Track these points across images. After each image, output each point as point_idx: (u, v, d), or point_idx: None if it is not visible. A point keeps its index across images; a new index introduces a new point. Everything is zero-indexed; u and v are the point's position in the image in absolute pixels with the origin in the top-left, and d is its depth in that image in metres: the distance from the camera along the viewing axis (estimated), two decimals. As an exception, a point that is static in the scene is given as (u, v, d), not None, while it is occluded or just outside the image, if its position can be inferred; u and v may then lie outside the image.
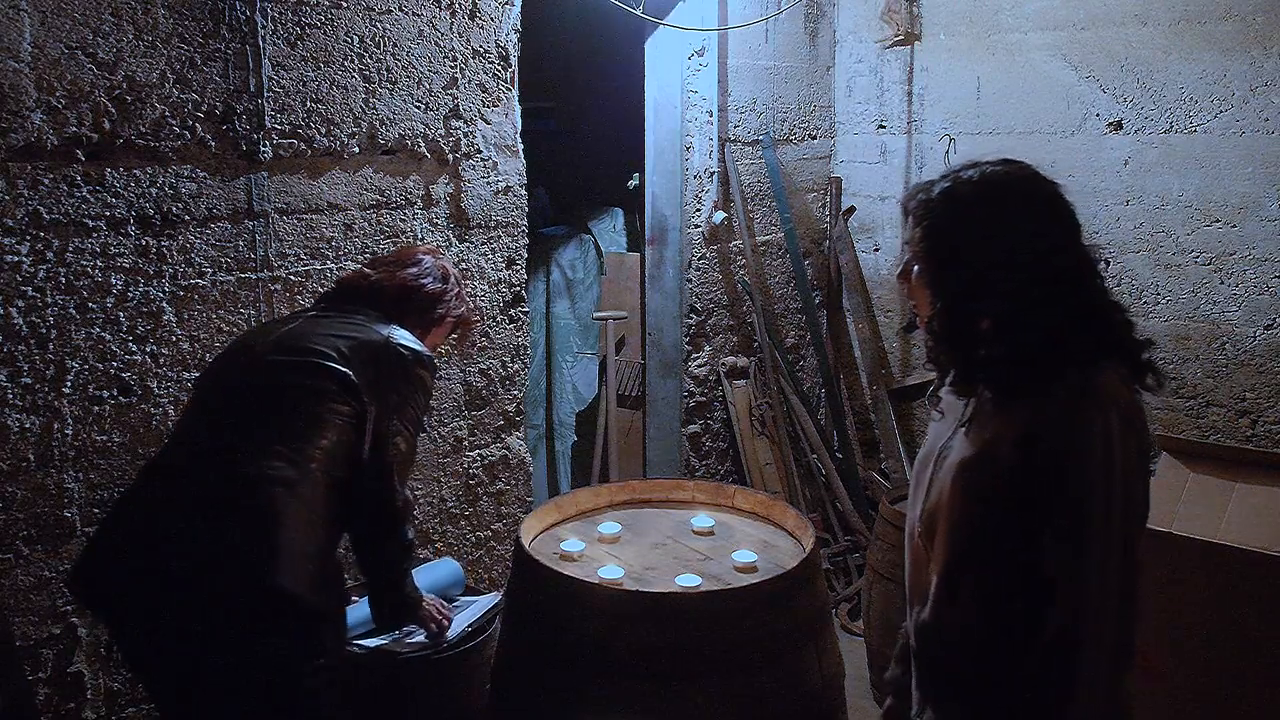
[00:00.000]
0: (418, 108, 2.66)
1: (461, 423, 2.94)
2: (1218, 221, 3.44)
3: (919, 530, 1.54)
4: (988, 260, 1.40)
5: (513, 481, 3.10)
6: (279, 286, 2.43)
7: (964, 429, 1.47)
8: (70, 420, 2.13)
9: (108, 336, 2.16)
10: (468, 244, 2.84)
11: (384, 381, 1.94)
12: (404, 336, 2.03)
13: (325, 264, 2.52)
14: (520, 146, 2.97)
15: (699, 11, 3.63)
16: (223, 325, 2.34)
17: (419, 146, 2.67)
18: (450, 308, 2.21)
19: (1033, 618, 1.35)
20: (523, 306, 3.06)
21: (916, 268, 1.48)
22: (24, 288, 2.04)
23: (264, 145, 2.36)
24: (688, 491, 2.51)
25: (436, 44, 2.68)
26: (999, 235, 1.41)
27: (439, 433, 2.88)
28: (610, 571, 2.09)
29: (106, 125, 2.10)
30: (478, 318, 2.34)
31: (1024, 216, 1.42)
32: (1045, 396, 1.37)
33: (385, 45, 2.57)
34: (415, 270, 2.17)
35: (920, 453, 1.59)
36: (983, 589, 1.42)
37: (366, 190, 2.58)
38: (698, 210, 3.82)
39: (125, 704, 2.26)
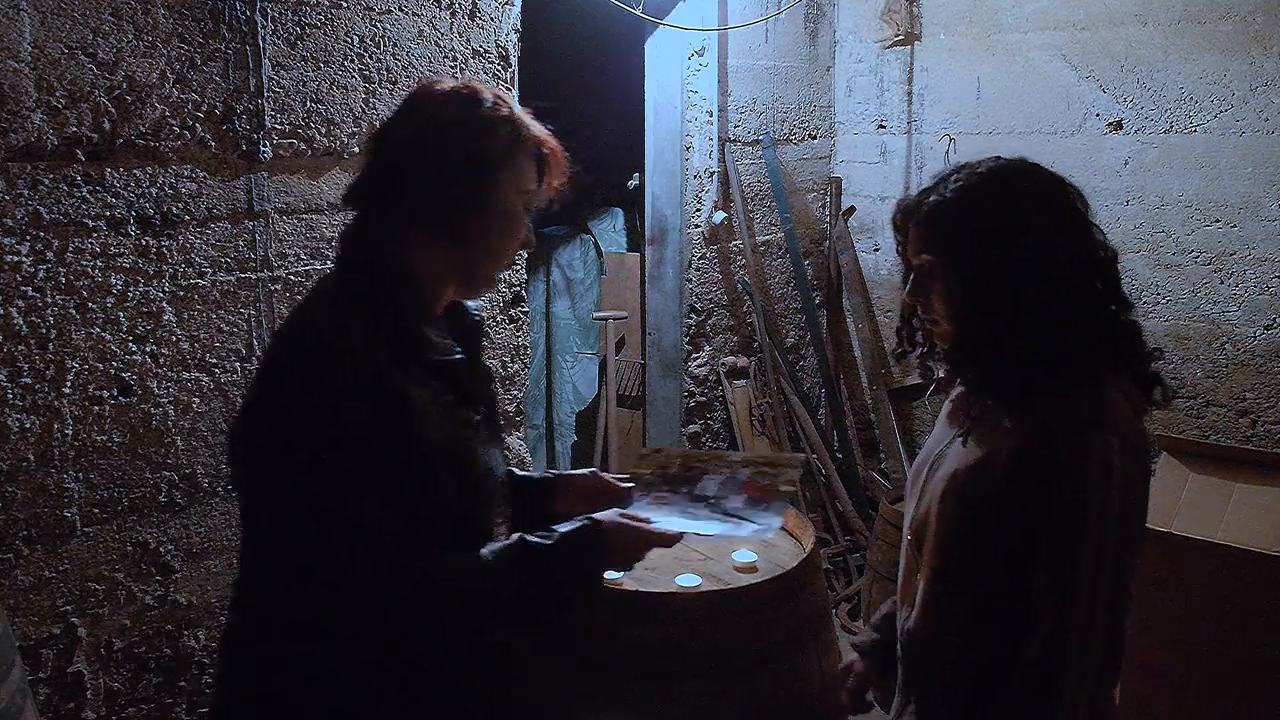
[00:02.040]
0: (418, 108, 2.65)
1: (461, 423, 2.94)
2: (1218, 221, 3.44)
3: (909, 537, 1.54)
4: (1013, 260, 1.35)
5: (513, 481, 3.10)
6: (279, 286, 2.43)
7: (961, 439, 1.46)
8: (70, 420, 2.13)
9: (108, 336, 2.16)
10: (468, 244, 2.84)
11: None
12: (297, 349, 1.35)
13: (325, 264, 2.52)
14: (520, 146, 2.96)
15: (699, 11, 3.63)
16: (223, 325, 2.33)
17: (419, 146, 2.67)
18: (501, 146, 1.38)
19: (1018, 635, 1.33)
20: (523, 306, 3.06)
21: (934, 276, 1.42)
22: (24, 288, 2.04)
23: (264, 145, 2.36)
24: (688, 491, 2.50)
25: (436, 44, 2.68)
26: (1026, 231, 1.37)
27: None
28: (610, 571, 2.08)
29: (106, 125, 2.10)
30: (551, 141, 1.46)
31: (1047, 211, 1.39)
32: (1046, 414, 1.33)
33: (385, 45, 2.56)
34: (413, 121, 1.40)
35: (918, 457, 1.58)
36: (969, 602, 1.40)
37: (366, 190, 2.58)
38: (698, 210, 3.82)
39: (125, 704, 2.26)
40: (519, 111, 1.44)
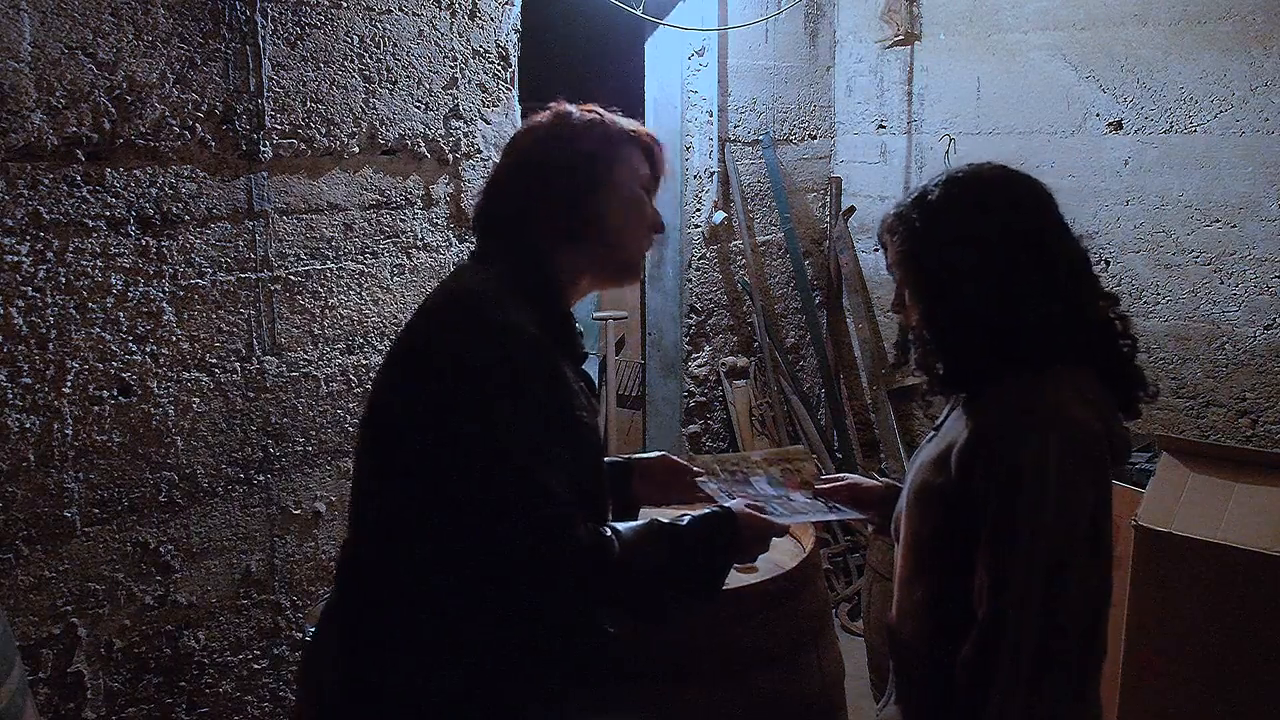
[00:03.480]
0: (418, 108, 2.66)
1: (461, 423, 2.94)
2: (1218, 221, 3.44)
3: (893, 530, 1.57)
4: (949, 264, 1.40)
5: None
6: (279, 286, 2.43)
7: (935, 433, 1.50)
8: (70, 420, 2.13)
9: (108, 336, 2.16)
10: (468, 244, 2.84)
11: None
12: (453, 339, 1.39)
13: (325, 264, 2.52)
14: (520, 146, 2.96)
15: (699, 11, 3.63)
16: (223, 325, 2.34)
17: (419, 146, 2.67)
18: (591, 145, 1.51)
19: (966, 627, 1.35)
20: (523, 306, 3.06)
21: (901, 286, 1.49)
22: (24, 288, 2.04)
23: (264, 145, 2.36)
24: (688, 491, 2.50)
25: (436, 44, 2.68)
26: (959, 239, 1.41)
27: (439, 433, 2.88)
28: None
29: (106, 125, 2.10)
30: (642, 128, 1.60)
31: (985, 219, 1.41)
32: (994, 410, 1.36)
33: (385, 45, 2.56)
34: (515, 148, 1.54)
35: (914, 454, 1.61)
36: (927, 596, 1.43)
37: (366, 190, 2.58)
38: (698, 210, 3.82)
39: (125, 704, 2.26)
40: (605, 114, 1.56)
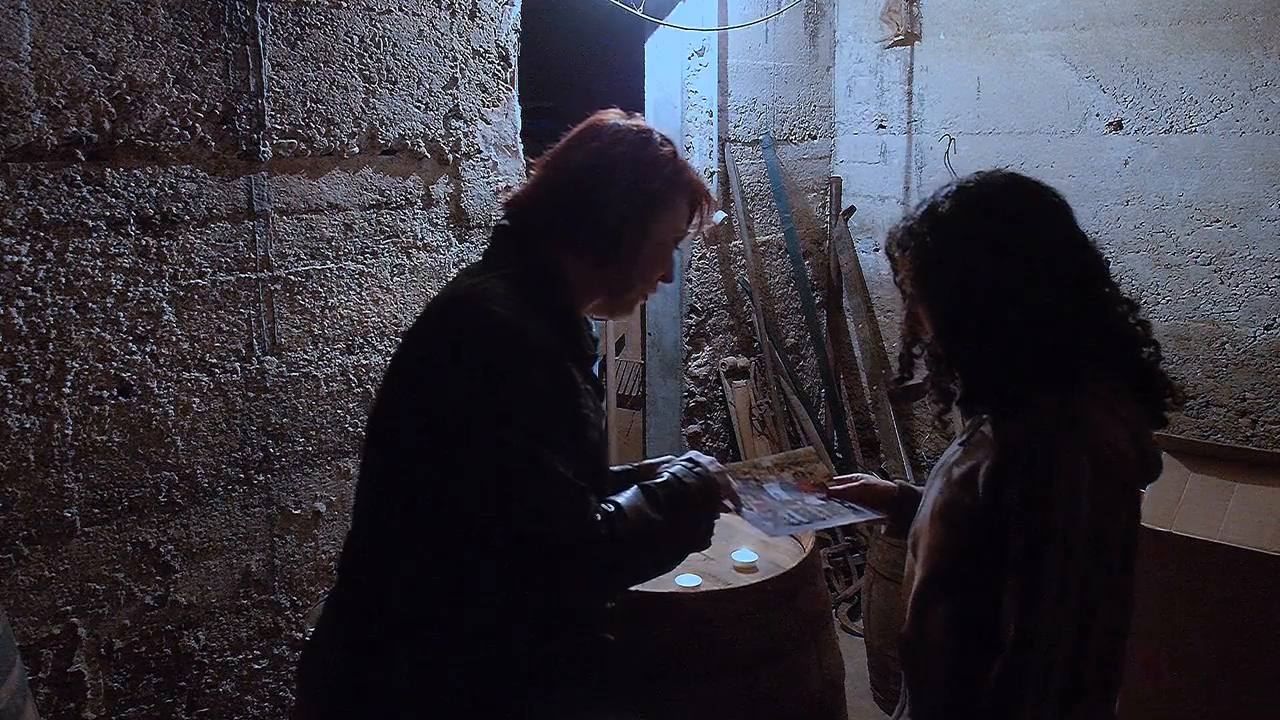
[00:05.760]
0: (418, 108, 2.66)
1: (461, 423, 2.93)
2: (1218, 221, 3.44)
3: (909, 543, 1.55)
4: (964, 280, 1.38)
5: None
6: (279, 286, 2.43)
7: (962, 448, 1.48)
8: (70, 420, 2.13)
9: (108, 336, 2.16)
10: (468, 244, 2.84)
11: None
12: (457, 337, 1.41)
13: (325, 264, 2.52)
14: (520, 146, 2.97)
15: (699, 11, 3.63)
16: (222, 325, 2.34)
17: (419, 146, 2.67)
18: (662, 185, 1.52)
19: (991, 648, 1.33)
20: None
21: (913, 302, 1.46)
22: (24, 288, 2.04)
23: (264, 145, 2.36)
24: (688, 491, 2.50)
25: (436, 44, 2.69)
26: (974, 254, 1.38)
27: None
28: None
29: (106, 125, 2.10)
30: (705, 187, 1.61)
31: (999, 232, 1.39)
32: (1023, 428, 1.33)
33: (385, 45, 2.57)
34: (588, 149, 1.53)
35: (936, 463, 1.59)
36: (950, 613, 1.41)
37: (366, 190, 2.58)
38: (698, 210, 3.82)
39: (125, 704, 2.26)
40: (681, 154, 1.57)
